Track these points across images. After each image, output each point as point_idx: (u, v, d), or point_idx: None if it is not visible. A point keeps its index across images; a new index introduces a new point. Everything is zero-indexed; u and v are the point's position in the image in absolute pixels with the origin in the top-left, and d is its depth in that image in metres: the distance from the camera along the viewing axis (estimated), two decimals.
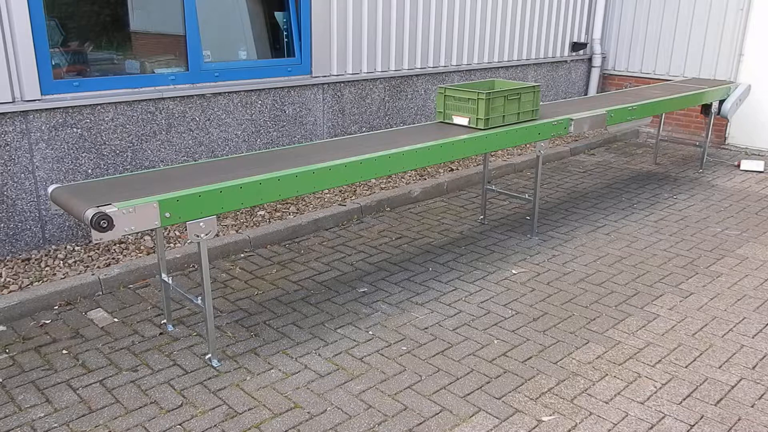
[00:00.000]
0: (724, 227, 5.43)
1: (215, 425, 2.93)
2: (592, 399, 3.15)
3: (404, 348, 3.57)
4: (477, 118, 4.45)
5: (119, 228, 2.84)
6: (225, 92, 5.26)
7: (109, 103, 4.63)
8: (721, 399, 3.16)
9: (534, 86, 4.70)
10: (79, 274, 4.19)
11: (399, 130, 4.53)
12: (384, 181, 6.23)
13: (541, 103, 5.25)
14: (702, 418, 3.02)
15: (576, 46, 8.65)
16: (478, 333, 3.73)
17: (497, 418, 3.00)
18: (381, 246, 4.96)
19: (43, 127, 4.37)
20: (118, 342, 3.60)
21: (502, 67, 7.68)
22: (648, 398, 3.16)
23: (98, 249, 4.57)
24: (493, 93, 4.41)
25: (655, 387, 3.25)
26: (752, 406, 3.11)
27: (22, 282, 4.05)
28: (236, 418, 2.98)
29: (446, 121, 4.69)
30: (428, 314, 3.94)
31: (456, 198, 6.14)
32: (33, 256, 4.42)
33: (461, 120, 4.56)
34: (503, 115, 4.54)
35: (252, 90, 5.43)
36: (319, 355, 3.49)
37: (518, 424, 2.96)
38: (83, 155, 4.60)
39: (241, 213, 5.31)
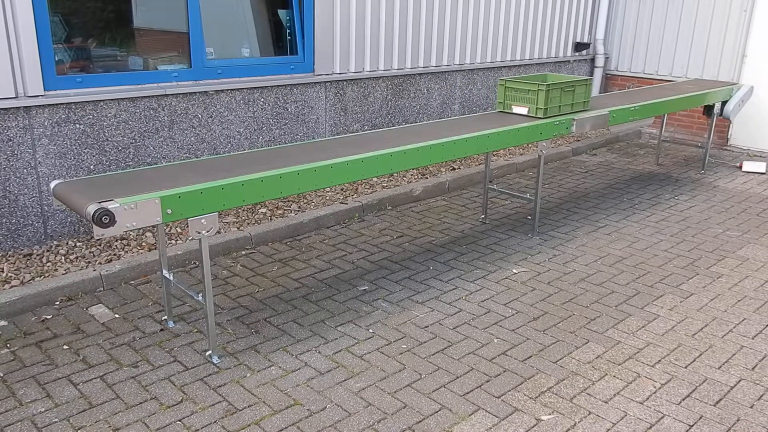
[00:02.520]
0: (725, 228, 5.43)
1: (215, 421, 2.93)
2: (592, 398, 3.15)
3: (404, 346, 3.58)
4: (537, 108, 4.80)
5: (121, 224, 2.85)
6: (227, 89, 5.27)
7: (111, 100, 4.64)
8: (720, 399, 3.17)
9: (586, 79, 5.06)
10: (80, 269, 4.20)
11: (461, 119, 4.84)
12: (386, 179, 6.23)
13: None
14: (701, 418, 3.02)
15: (579, 47, 8.65)
16: (478, 332, 3.74)
17: (496, 416, 3.01)
18: (382, 244, 4.97)
19: (45, 123, 4.38)
20: (118, 338, 3.61)
21: (504, 67, 7.68)
22: (647, 398, 3.16)
23: (100, 245, 4.58)
24: (552, 85, 4.74)
25: (655, 387, 3.25)
26: (751, 407, 3.11)
27: (24, 277, 4.06)
28: (236, 415, 2.98)
29: (506, 110, 5.04)
30: (429, 313, 3.94)
31: (457, 197, 6.14)
32: (35, 251, 4.44)
33: (521, 109, 4.92)
34: (559, 105, 4.88)
35: (254, 87, 5.43)
36: (319, 352, 3.50)
37: (517, 423, 2.96)
38: (86, 151, 4.61)
39: (243, 210, 5.32)
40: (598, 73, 8.98)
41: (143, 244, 4.61)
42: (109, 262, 4.33)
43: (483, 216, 5.51)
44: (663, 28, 8.39)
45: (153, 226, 4.71)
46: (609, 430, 2.93)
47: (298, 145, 3.98)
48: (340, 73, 6.02)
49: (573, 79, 5.03)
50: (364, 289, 4.24)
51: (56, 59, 4.46)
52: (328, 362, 3.41)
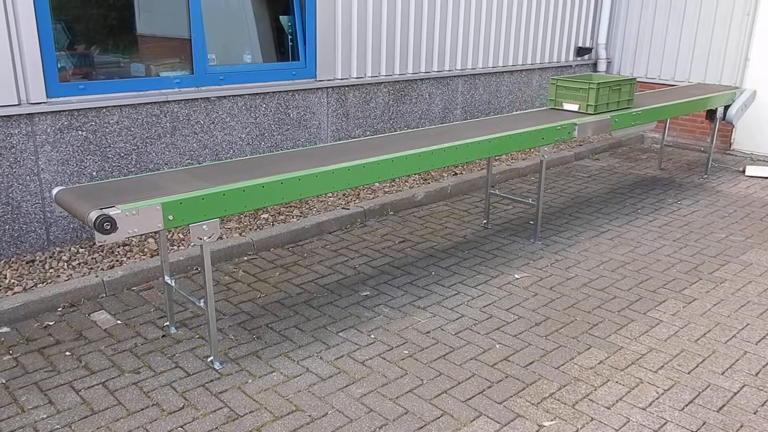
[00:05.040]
0: (728, 233, 5.42)
1: (216, 427, 2.93)
2: (594, 404, 3.14)
3: (406, 352, 3.57)
4: (587, 105, 5.18)
5: (122, 230, 2.86)
6: (230, 95, 5.28)
7: (114, 106, 4.65)
8: (723, 406, 3.15)
9: (630, 79, 5.45)
10: (82, 276, 4.20)
11: (511, 116, 5.18)
12: (388, 184, 6.23)
13: (544, 108, 5.55)
14: (704, 424, 3.01)
15: (581, 51, 8.65)
16: (480, 337, 3.73)
17: (498, 422, 3.00)
18: (384, 249, 4.97)
19: (48, 130, 4.39)
20: (120, 344, 3.61)
21: (506, 72, 7.69)
22: (650, 404, 3.15)
23: (102, 251, 4.59)
24: (601, 84, 5.14)
25: (657, 393, 3.24)
26: (755, 413, 3.10)
27: (27, 283, 4.07)
28: (237, 421, 2.98)
29: (557, 107, 5.43)
30: (430, 318, 3.94)
31: (459, 202, 6.14)
32: (37, 257, 4.45)
33: (571, 106, 5.30)
34: (607, 103, 5.27)
35: (256, 93, 5.45)
36: (320, 358, 3.50)
37: (519, 429, 2.95)
38: (88, 158, 4.62)
39: (245, 216, 5.32)
40: None
41: (145, 250, 4.62)
42: (111, 268, 4.33)
43: (485, 221, 5.50)
44: (665, 33, 8.39)
45: (155, 232, 4.71)
46: None
47: (299, 151, 3.99)
48: (341, 79, 6.03)
49: (619, 78, 5.41)
50: (365, 295, 4.24)
51: (59, 66, 4.48)
52: (329, 368, 3.40)
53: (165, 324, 3.81)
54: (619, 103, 5.40)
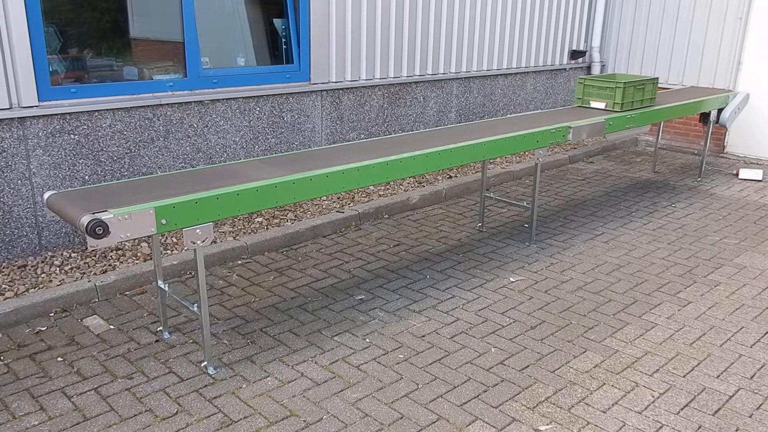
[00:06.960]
0: (722, 236, 5.43)
1: None
2: (590, 408, 3.13)
3: (401, 356, 3.55)
4: (614, 103, 5.44)
5: (115, 235, 2.83)
6: (223, 99, 5.26)
7: (106, 110, 4.63)
8: (719, 409, 3.15)
9: (653, 79, 5.71)
10: (75, 280, 4.17)
11: (538, 114, 5.43)
12: (382, 188, 6.22)
13: (539, 111, 5.59)
14: (700, 428, 3.00)
15: (575, 54, 8.66)
16: (475, 341, 3.71)
17: (494, 427, 2.98)
18: (379, 253, 4.95)
19: (40, 134, 4.36)
20: (113, 349, 3.58)
21: (501, 75, 7.69)
22: (645, 408, 3.14)
23: (95, 256, 4.55)
24: (627, 83, 5.40)
25: (653, 396, 3.23)
26: (750, 417, 3.09)
27: (18, 289, 4.03)
28: (231, 426, 2.96)
29: (584, 105, 5.68)
30: (425, 322, 3.92)
31: (454, 205, 6.13)
32: (29, 262, 4.41)
33: (598, 104, 5.55)
34: (632, 101, 5.51)
35: (250, 97, 5.43)
36: (315, 362, 3.48)
37: None
38: (80, 162, 4.59)
39: (239, 219, 5.30)
40: None
41: (138, 254, 4.59)
42: (104, 272, 4.30)
43: (480, 224, 5.50)
44: (659, 36, 8.42)
45: (148, 237, 4.69)
46: None
47: (294, 154, 3.97)
48: (336, 82, 6.02)
49: (643, 78, 5.65)
50: (360, 299, 4.22)
51: (51, 70, 4.45)
52: (324, 372, 3.38)
53: (158, 329, 3.79)
54: (642, 101, 5.63)
